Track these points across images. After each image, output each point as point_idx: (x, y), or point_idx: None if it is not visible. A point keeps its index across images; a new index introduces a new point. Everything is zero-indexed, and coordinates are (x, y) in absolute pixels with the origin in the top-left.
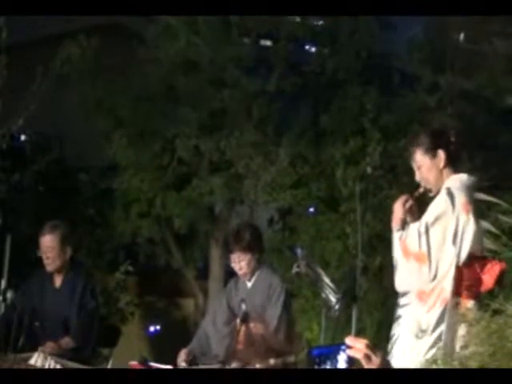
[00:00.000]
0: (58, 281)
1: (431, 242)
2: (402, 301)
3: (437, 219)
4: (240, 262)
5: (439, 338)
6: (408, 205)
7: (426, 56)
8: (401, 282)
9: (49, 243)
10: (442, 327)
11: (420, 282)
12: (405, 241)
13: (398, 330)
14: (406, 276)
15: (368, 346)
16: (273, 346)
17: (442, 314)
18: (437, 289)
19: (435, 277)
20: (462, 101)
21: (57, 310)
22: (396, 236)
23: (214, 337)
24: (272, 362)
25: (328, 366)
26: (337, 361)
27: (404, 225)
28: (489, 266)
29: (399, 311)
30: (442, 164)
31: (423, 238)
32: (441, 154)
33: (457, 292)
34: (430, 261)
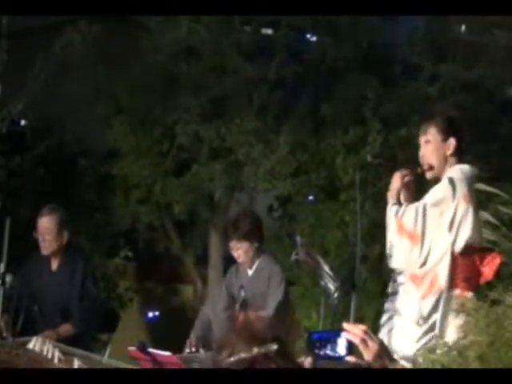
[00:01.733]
0: (54, 264)
1: (427, 224)
2: (398, 278)
3: (436, 204)
4: (237, 250)
5: (432, 328)
6: (406, 179)
7: (426, 46)
8: (393, 258)
9: (47, 224)
10: (436, 316)
11: (410, 263)
12: (401, 218)
13: (393, 306)
14: (397, 253)
15: (365, 332)
16: (256, 334)
17: (437, 302)
18: (430, 274)
19: (425, 262)
20: (463, 91)
21: (54, 292)
22: (392, 210)
23: (214, 322)
24: (255, 350)
25: (328, 350)
26: (336, 345)
27: (399, 198)
28: (489, 258)
29: (395, 288)
30: (450, 151)
31: (420, 218)
32: (452, 141)
33: (455, 283)
34: (422, 242)
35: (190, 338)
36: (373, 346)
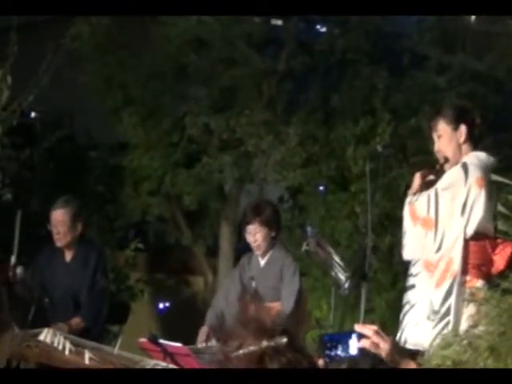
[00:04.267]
0: (68, 256)
1: (440, 209)
2: (412, 270)
3: (447, 188)
4: (256, 234)
5: (447, 313)
6: (428, 179)
7: (436, 36)
8: (407, 248)
9: (60, 217)
10: (451, 301)
11: (425, 250)
12: (414, 205)
13: (409, 299)
14: (411, 242)
15: (377, 333)
16: (265, 326)
17: (451, 287)
18: (443, 259)
19: (440, 247)
20: (473, 81)
21: (67, 284)
22: (407, 201)
23: (228, 313)
24: (264, 343)
25: (339, 351)
26: (348, 346)
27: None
28: (500, 247)
29: (411, 280)
30: (462, 138)
31: (432, 203)
32: (463, 128)
33: (466, 269)
34: (436, 227)
35: (202, 330)
36: (384, 346)
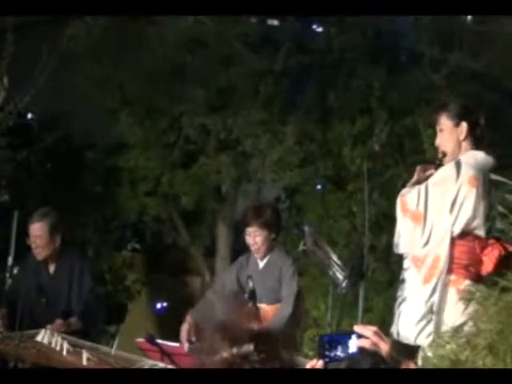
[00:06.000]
0: (51, 267)
1: (429, 204)
2: (404, 264)
3: (437, 183)
4: (255, 237)
5: (430, 310)
6: (428, 173)
7: (433, 35)
8: (397, 242)
9: (38, 232)
10: (434, 298)
11: (412, 243)
12: (405, 196)
13: (401, 293)
14: (401, 235)
15: (376, 333)
16: (237, 333)
17: (436, 285)
18: (430, 256)
19: (427, 242)
20: (470, 80)
21: (54, 295)
22: (400, 193)
23: (218, 307)
24: (234, 350)
25: (339, 352)
26: (347, 346)
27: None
28: (489, 248)
29: (403, 274)
30: (462, 135)
31: (422, 197)
32: (464, 125)
33: (451, 268)
34: (424, 221)
35: (184, 327)
36: (384, 347)
